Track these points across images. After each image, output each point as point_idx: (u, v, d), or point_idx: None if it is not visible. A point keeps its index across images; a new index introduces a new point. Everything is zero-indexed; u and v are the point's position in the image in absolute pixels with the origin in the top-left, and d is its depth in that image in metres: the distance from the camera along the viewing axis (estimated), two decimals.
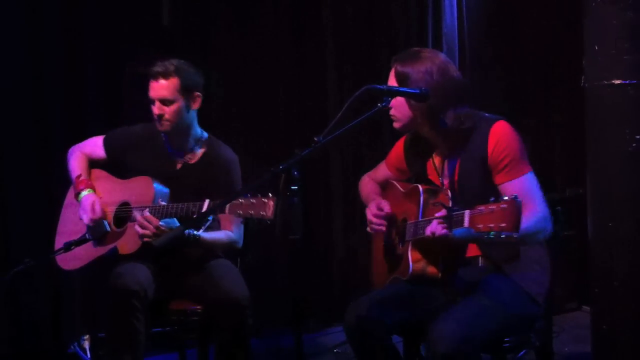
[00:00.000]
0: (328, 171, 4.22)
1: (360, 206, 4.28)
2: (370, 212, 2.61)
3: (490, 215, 2.06)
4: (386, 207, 2.58)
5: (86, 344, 3.50)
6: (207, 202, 2.63)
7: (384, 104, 2.41)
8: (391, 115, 2.48)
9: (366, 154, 4.23)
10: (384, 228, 2.58)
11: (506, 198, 2.05)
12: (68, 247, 2.66)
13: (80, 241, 2.72)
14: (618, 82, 2.50)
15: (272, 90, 4.07)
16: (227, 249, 2.91)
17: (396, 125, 2.50)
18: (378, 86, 2.43)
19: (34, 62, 3.56)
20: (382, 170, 2.80)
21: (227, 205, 2.51)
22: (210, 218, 2.61)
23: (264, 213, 2.40)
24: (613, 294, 2.55)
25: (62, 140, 3.56)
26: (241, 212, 2.45)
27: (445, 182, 2.48)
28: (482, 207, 2.10)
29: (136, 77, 3.63)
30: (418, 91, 2.52)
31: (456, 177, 2.45)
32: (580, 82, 2.69)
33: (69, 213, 3.02)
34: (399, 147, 2.71)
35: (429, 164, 2.55)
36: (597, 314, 2.64)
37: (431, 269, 2.42)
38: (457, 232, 2.22)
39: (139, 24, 3.75)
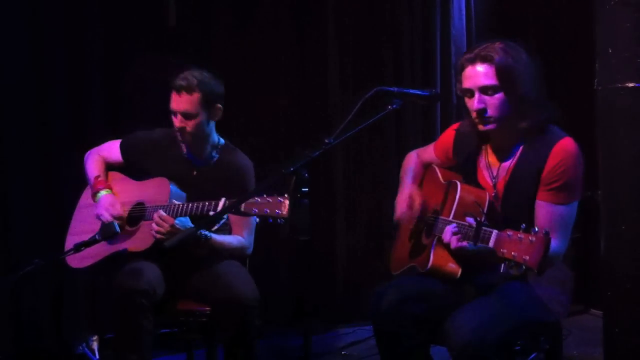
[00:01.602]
0: (330, 172, 4.21)
1: (362, 206, 4.33)
2: (400, 203, 2.57)
3: (517, 243, 2.04)
4: (417, 197, 2.55)
5: (94, 345, 3.51)
6: (223, 200, 2.64)
7: (394, 106, 2.39)
8: (485, 118, 2.34)
9: (368, 155, 4.23)
10: (413, 220, 2.55)
11: (537, 230, 2.01)
12: (78, 248, 2.67)
13: (90, 242, 2.73)
14: (631, 85, 2.48)
15: (274, 90, 4.08)
16: (236, 254, 2.92)
17: (491, 127, 2.35)
18: (389, 88, 2.42)
19: (37, 63, 3.57)
20: (430, 152, 2.73)
21: (243, 204, 2.53)
22: (225, 217, 2.60)
23: (280, 211, 2.43)
24: (625, 297, 2.53)
25: (64, 141, 3.58)
26: (257, 210, 2.47)
27: (500, 183, 2.43)
28: (510, 232, 2.07)
29: (138, 79, 3.65)
30: (428, 93, 2.50)
31: (506, 180, 2.41)
32: (589, 85, 2.67)
33: (83, 214, 3.04)
34: (449, 135, 2.63)
35: (482, 160, 2.49)
36: (608, 318, 2.62)
37: (451, 268, 2.39)
38: (473, 246, 2.21)
39: (141, 24, 3.76)
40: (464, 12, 4.20)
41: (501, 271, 2.39)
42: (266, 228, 3.04)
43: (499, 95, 2.32)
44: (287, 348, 3.78)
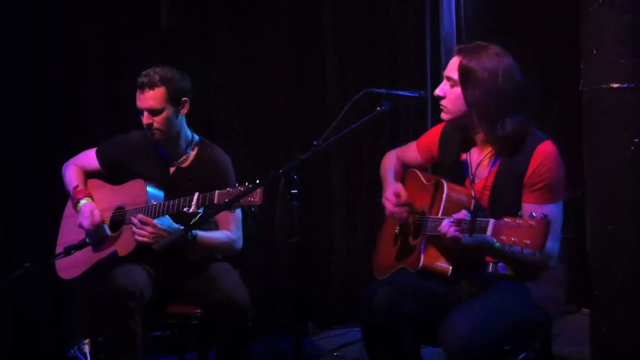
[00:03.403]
0: (328, 173, 4.22)
1: (361, 208, 4.34)
2: (388, 200, 2.56)
3: (516, 229, 2.05)
4: (403, 193, 2.55)
5: (86, 348, 3.51)
6: (196, 195, 2.65)
7: (383, 107, 2.41)
8: (442, 106, 2.41)
9: (366, 155, 4.24)
10: (405, 214, 2.54)
11: (535, 215, 2.03)
12: (68, 251, 2.68)
13: (80, 245, 2.74)
14: (616, 85, 2.51)
15: (273, 90, 4.08)
16: (226, 249, 2.91)
17: (445, 116, 2.43)
18: (377, 90, 2.44)
19: (36, 66, 3.58)
20: (411, 151, 2.73)
21: (216, 194, 2.55)
22: (200, 210, 2.62)
23: (252, 199, 2.43)
24: (612, 297, 2.56)
25: (64, 143, 3.58)
26: (229, 200, 2.47)
27: (478, 183, 2.44)
28: (508, 219, 2.08)
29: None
30: (417, 95, 2.52)
31: (489, 183, 2.41)
32: (578, 86, 2.70)
33: (68, 224, 3.06)
34: (435, 132, 2.63)
35: (464, 160, 2.49)
36: (596, 316, 2.65)
37: (442, 267, 2.39)
38: (469, 238, 2.21)
39: (140, 27, 3.76)
40: (453, 13, 4.21)
41: (489, 270, 2.42)
42: (262, 230, 3.07)
43: (456, 89, 2.36)
44: (283, 350, 3.77)
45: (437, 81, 4.18)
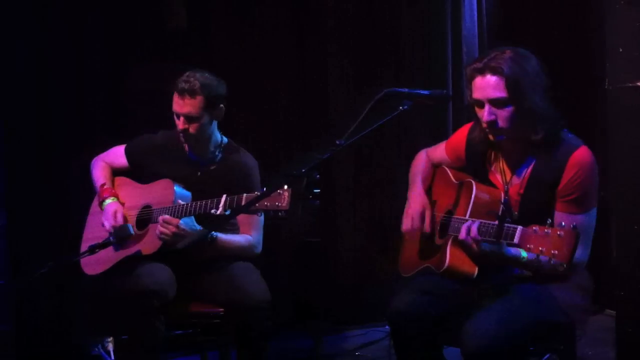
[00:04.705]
0: (330, 172, 4.18)
1: (365, 207, 4.31)
2: (412, 219, 2.55)
3: (544, 238, 2.02)
4: (428, 218, 2.53)
5: (110, 347, 3.53)
6: (224, 197, 2.65)
7: (404, 107, 2.38)
8: (497, 129, 2.32)
9: (369, 154, 4.21)
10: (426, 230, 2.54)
11: (564, 225, 2.00)
12: (92, 249, 2.70)
13: (104, 244, 2.76)
14: None
15: (274, 91, 4.08)
16: (244, 253, 2.92)
17: (502, 138, 2.34)
18: (399, 89, 2.42)
19: (37, 66, 3.59)
20: (440, 151, 2.69)
21: (244, 197, 2.57)
22: (227, 212, 2.63)
23: (279, 204, 2.43)
24: (637, 297, 2.53)
25: (66, 144, 3.61)
26: (257, 204, 2.47)
27: (511, 189, 2.41)
28: (536, 227, 2.05)
29: (141, 84, 3.67)
30: (439, 94, 2.50)
31: (522, 190, 2.38)
32: (600, 84, 2.68)
33: (94, 220, 3.07)
34: (462, 134, 2.58)
35: (494, 165, 2.46)
36: (621, 317, 2.62)
37: (467, 268, 2.36)
38: (487, 246, 2.20)
39: (142, 29, 3.77)
40: (475, 12, 4.18)
41: (516, 271, 2.40)
42: (271, 228, 3.09)
43: (509, 108, 2.29)
44: (292, 350, 3.77)
45: (457, 80, 4.17)
